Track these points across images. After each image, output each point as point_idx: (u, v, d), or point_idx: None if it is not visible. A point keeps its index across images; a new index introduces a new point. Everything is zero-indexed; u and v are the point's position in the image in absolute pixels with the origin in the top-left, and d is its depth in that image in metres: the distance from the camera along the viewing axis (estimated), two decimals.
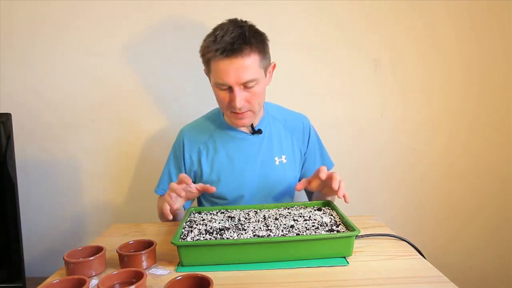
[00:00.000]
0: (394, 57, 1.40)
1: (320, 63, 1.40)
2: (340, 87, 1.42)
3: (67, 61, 1.37)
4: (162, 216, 1.10)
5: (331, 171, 0.98)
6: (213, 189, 0.97)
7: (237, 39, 0.89)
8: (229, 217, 0.91)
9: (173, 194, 0.90)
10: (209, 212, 0.96)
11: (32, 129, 1.40)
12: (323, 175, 0.91)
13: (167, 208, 0.93)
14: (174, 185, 0.90)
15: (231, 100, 0.94)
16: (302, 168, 1.17)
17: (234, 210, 0.97)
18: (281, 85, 1.39)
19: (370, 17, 1.38)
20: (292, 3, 1.35)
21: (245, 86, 0.93)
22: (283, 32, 1.36)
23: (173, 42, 1.37)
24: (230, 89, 0.93)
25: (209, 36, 0.94)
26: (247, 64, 0.91)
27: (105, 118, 1.41)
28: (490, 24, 1.39)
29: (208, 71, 0.98)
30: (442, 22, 1.39)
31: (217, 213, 0.95)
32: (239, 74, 0.90)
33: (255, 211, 0.95)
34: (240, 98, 0.93)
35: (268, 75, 1.01)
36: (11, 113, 1.00)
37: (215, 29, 0.93)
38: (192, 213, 0.96)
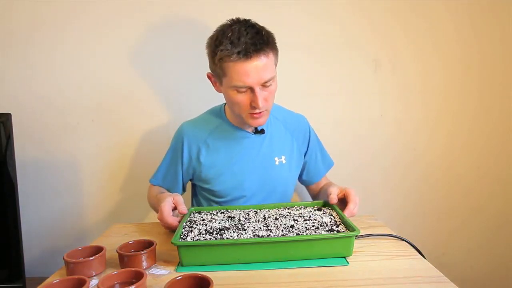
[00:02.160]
0: (394, 57, 1.40)
1: (320, 63, 1.40)
2: (340, 87, 1.42)
3: (67, 61, 1.37)
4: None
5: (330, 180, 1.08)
6: (184, 211, 0.92)
7: (257, 39, 0.89)
8: (229, 217, 0.91)
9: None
10: (209, 212, 0.96)
11: (32, 129, 1.39)
12: (351, 207, 0.91)
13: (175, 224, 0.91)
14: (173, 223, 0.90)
15: (252, 101, 0.93)
16: (304, 168, 1.17)
17: (234, 210, 0.97)
18: (281, 85, 1.38)
19: (370, 17, 1.38)
20: (292, 3, 1.35)
21: (264, 85, 0.93)
22: (283, 32, 1.35)
23: (173, 41, 1.37)
24: (250, 90, 0.93)
25: (218, 39, 0.91)
26: (266, 64, 0.91)
27: (105, 118, 1.41)
28: (490, 24, 1.39)
29: (221, 75, 0.94)
30: (442, 22, 1.39)
31: (217, 213, 0.95)
32: (260, 74, 0.90)
33: (255, 211, 0.95)
34: (262, 98, 0.93)
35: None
36: (11, 113, 1.00)
37: (222, 32, 0.91)
38: (192, 213, 0.96)
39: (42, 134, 1.40)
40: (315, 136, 1.18)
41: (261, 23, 0.98)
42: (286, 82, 1.39)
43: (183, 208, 0.91)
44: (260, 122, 1.00)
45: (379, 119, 1.44)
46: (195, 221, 0.89)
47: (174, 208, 0.92)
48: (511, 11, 1.38)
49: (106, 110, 1.40)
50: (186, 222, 0.88)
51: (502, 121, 1.46)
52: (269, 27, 1.01)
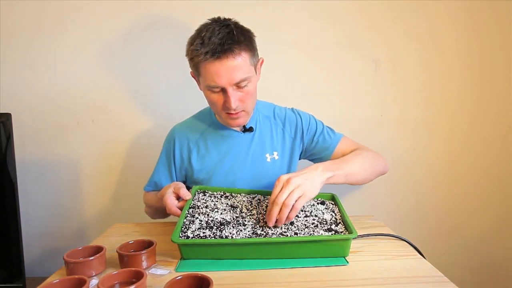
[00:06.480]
0: (394, 57, 1.40)
1: (320, 63, 1.40)
2: (340, 87, 1.42)
3: (67, 61, 1.37)
4: (159, 213, 1.11)
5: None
6: (186, 197, 0.91)
7: (226, 39, 0.87)
8: (231, 206, 0.91)
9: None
10: (213, 194, 0.97)
11: (32, 129, 1.40)
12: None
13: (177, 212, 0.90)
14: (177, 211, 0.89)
15: (225, 102, 0.93)
16: (314, 157, 1.12)
17: (239, 196, 0.98)
18: (280, 85, 1.39)
19: (370, 17, 1.38)
20: (291, 2, 1.35)
21: (238, 86, 0.92)
22: (283, 31, 1.36)
23: (174, 41, 1.37)
24: (223, 90, 0.92)
25: (194, 38, 0.91)
26: (238, 64, 0.89)
27: (105, 118, 1.41)
28: (490, 24, 1.39)
29: (197, 74, 0.96)
30: (442, 22, 1.39)
31: (221, 197, 0.96)
32: (231, 74, 0.89)
33: (258, 199, 0.95)
34: (235, 98, 0.92)
35: (257, 72, 0.99)
36: (11, 113, 1.00)
37: (199, 31, 0.91)
38: (197, 192, 0.97)
39: (42, 134, 1.40)
40: (309, 122, 1.12)
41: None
42: (286, 82, 1.40)
43: (184, 192, 0.91)
44: (238, 123, 1.00)
45: (379, 119, 1.44)
46: (198, 207, 0.89)
47: (178, 197, 0.92)
48: (511, 11, 1.38)
49: (106, 110, 1.40)
50: (190, 208, 0.89)
51: (501, 120, 1.46)
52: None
